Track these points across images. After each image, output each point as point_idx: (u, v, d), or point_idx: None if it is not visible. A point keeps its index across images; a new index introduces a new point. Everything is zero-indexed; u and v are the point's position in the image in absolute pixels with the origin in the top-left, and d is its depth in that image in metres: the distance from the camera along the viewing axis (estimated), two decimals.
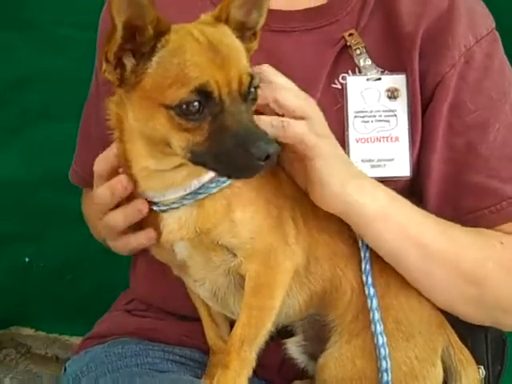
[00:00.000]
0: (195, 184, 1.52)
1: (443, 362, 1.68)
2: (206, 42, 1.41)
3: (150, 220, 1.59)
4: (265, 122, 1.48)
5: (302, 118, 1.52)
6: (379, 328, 1.60)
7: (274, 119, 1.51)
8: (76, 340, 3.16)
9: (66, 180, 2.19)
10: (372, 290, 1.62)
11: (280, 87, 1.53)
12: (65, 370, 2.02)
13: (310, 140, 1.51)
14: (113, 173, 1.59)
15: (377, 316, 1.61)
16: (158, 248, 1.63)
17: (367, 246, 1.66)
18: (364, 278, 1.64)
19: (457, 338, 1.69)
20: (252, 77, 1.42)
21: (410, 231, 1.64)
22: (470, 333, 1.76)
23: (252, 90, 1.43)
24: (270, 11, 1.75)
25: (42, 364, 3.23)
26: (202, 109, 1.37)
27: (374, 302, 1.62)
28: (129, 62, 1.43)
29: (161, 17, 1.40)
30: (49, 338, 3.23)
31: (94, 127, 1.99)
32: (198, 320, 1.84)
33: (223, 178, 1.51)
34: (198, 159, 1.41)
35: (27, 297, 3.12)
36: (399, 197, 1.67)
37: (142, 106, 1.43)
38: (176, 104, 1.37)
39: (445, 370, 1.68)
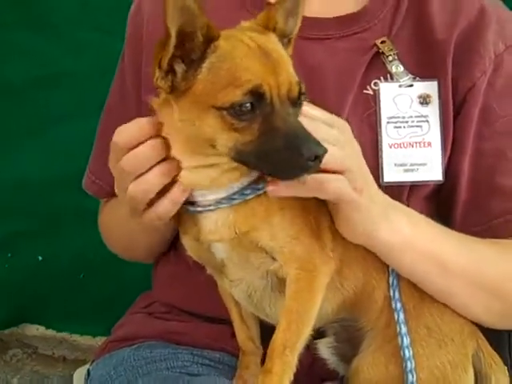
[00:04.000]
0: (233, 189, 1.53)
1: (474, 368, 1.70)
2: (255, 47, 1.44)
3: (187, 219, 1.60)
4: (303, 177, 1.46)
5: (340, 171, 1.49)
6: (406, 341, 1.63)
7: (310, 177, 1.46)
8: (86, 340, 3.18)
9: (81, 180, 2.17)
10: (399, 305, 1.66)
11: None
12: (88, 373, 2.03)
13: (348, 197, 1.51)
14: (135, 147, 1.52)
15: (403, 329, 1.63)
16: (196, 246, 1.63)
17: None
18: (391, 293, 1.67)
19: (487, 344, 1.73)
20: (300, 84, 1.45)
21: (432, 254, 1.68)
22: (494, 335, 1.78)
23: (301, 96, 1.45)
24: (305, 18, 1.77)
25: (49, 365, 3.22)
26: (254, 109, 1.40)
27: (401, 315, 1.64)
28: (179, 68, 1.44)
29: (210, 23, 1.41)
30: (56, 339, 3.22)
31: None
32: (225, 322, 1.85)
33: (259, 185, 1.53)
34: (243, 158, 1.43)
35: (39, 295, 3.13)
36: (421, 218, 1.70)
37: (191, 108, 1.44)
38: (229, 105, 1.39)
39: (475, 375, 1.71)
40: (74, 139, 2.85)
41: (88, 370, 2.04)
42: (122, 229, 2.04)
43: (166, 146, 1.50)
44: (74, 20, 2.85)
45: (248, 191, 1.53)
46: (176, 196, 1.53)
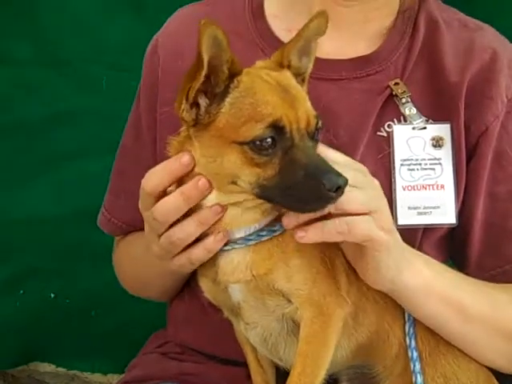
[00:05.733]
0: (249, 229, 1.54)
1: None
2: (274, 83, 1.47)
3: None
4: (328, 223, 1.46)
5: (367, 213, 1.49)
6: None
7: (338, 220, 1.46)
8: (98, 378, 3.17)
9: (93, 217, 2.18)
10: (415, 354, 1.65)
11: None
12: None
13: (379, 237, 1.49)
14: (164, 191, 1.55)
15: (419, 380, 1.63)
16: (214, 288, 1.64)
17: None
18: (407, 341, 1.66)
19: None
20: (318, 118, 1.48)
21: (450, 298, 1.68)
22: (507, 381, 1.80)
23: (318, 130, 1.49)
24: (318, 60, 1.80)
25: None
26: (275, 144, 1.42)
27: (417, 365, 1.64)
28: (202, 101, 1.46)
29: (235, 58, 1.44)
30: (67, 375, 3.20)
31: (134, 175, 2.00)
32: (240, 364, 1.85)
33: (275, 227, 1.54)
34: (266, 193, 1.44)
35: (50, 332, 3.11)
36: (435, 262, 1.71)
37: (212, 143, 1.46)
38: (250, 140, 1.41)
39: None
40: (86, 176, 2.87)
41: None
42: (137, 268, 2.06)
43: (200, 186, 1.49)
44: (88, 57, 2.86)
45: (264, 232, 1.54)
46: (212, 245, 1.54)
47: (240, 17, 1.94)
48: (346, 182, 1.39)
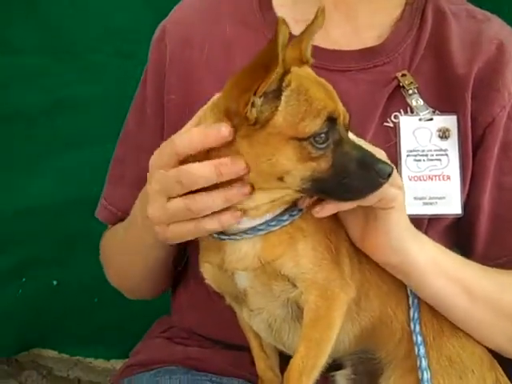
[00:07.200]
0: (260, 220, 1.55)
1: None
2: (315, 81, 1.51)
3: (210, 246, 1.62)
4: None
5: None
6: (426, 376, 1.63)
7: None
8: (101, 363, 3.19)
9: (95, 205, 2.17)
10: (420, 338, 1.66)
11: None
12: None
13: (390, 193, 1.52)
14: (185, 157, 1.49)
15: (424, 363, 1.64)
16: (218, 274, 1.64)
17: (416, 294, 1.69)
18: (412, 326, 1.67)
19: (506, 377, 1.74)
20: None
21: (456, 277, 1.69)
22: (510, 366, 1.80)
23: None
24: (326, 51, 1.82)
25: None
26: (328, 137, 1.45)
27: (422, 349, 1.65)
28: (258, 100, 1.44)
29: (286, 56, 1.44)
30: (71, 360, 3.23)
31: (134, 162, 2.00)
32: (245, 349, 1.86)
33: (284, 217, 1.55)
34: (320, 187, 1.46)
35: (53, 320, 3.13)
36: (443, 247, 1.73)
37: (269, 141, 1.45)
38: (311, 135, 1.43)
39: None
40: (88, 164, 2.88)
41: None
42: (119, 252, 2.04)
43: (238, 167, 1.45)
44: (92, 44, 2.87)
45: (273, 223, 1.55)
46: (227, 221, 1.50)
47: (247, 6, 1.94)
48: (393, 168, 1.46)
